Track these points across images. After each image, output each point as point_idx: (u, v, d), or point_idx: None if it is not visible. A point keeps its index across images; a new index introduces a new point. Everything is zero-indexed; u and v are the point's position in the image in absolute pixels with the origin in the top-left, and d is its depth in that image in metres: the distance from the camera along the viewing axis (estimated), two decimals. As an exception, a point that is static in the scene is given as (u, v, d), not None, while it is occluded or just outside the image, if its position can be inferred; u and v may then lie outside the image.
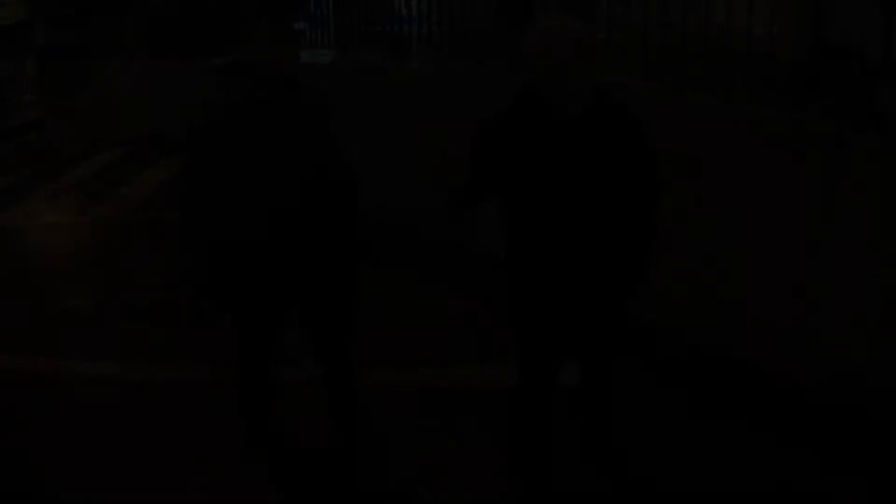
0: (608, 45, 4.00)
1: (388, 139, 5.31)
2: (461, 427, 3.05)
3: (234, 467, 2.89)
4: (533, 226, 2.22)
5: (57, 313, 4.57)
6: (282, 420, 2.92)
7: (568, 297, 2.26)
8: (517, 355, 2.42)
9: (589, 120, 2.14)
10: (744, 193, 3.25)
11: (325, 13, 6.48)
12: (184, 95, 9.57)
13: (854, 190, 2.91)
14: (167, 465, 2.93)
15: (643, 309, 2.69)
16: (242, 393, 2.82)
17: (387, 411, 3.16)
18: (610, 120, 2.19)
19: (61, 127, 10.76)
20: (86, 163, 9.47)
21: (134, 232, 6.36)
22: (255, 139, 2.36)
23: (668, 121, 3.58)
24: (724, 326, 3.44)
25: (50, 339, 4.16)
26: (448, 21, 5.16)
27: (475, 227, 3.26)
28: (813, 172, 3.01)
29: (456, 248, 4.71)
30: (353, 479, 2.83)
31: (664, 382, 3.30)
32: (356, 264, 2.67)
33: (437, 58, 5.40)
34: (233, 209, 2.43)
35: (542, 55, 2.07)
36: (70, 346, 4.05)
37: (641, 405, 3.07)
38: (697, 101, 3.62)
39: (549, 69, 2.06)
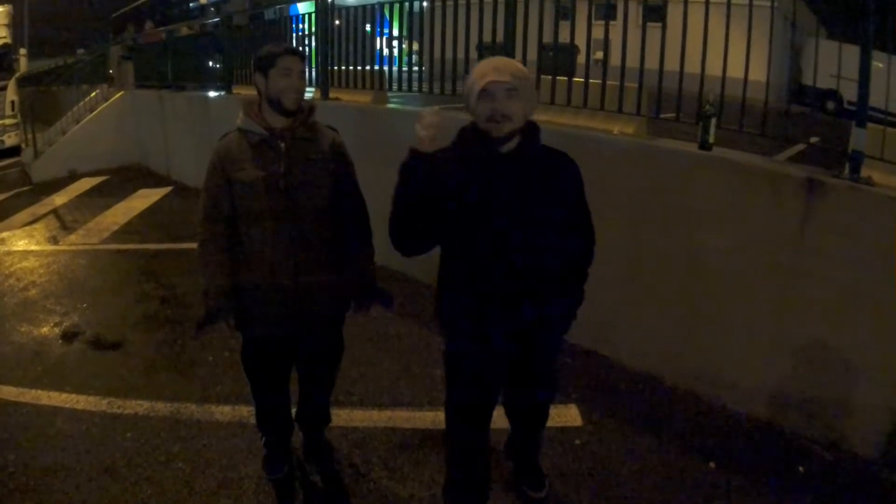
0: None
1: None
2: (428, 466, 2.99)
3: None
4: (463, 257, 2.20)
5: (25, 342, 4.45)
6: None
7: (496, 330, 2.23)
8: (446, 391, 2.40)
9: (523, 154, 2.15)
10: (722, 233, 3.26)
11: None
12: (165, 127, 9.60)
13: (826, 228, 2.94)
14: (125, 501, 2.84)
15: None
16: (264, 422, 2.96)
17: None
18: (543, 155, 2.20)
19: (39, 153, 10.60)
20: (62, 190, 9.37)
21: (106, 262, 6.26)
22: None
23: (642, 163, 3.61)
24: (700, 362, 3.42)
25: (16, 368, 4.04)
26: (429, 63, 5.20)
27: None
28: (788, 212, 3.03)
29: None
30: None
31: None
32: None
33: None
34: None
35: (478, 81, 2.07)
36: (36, 376, 3.93)
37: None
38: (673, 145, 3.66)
39: (484, 96, 2.05)
